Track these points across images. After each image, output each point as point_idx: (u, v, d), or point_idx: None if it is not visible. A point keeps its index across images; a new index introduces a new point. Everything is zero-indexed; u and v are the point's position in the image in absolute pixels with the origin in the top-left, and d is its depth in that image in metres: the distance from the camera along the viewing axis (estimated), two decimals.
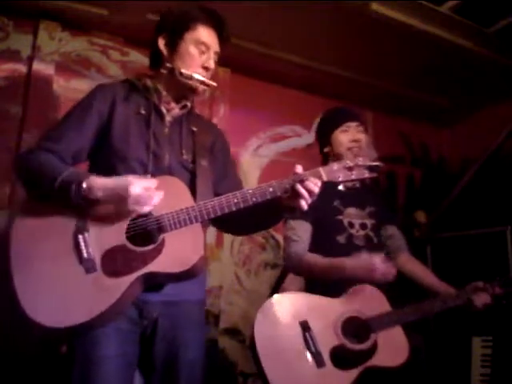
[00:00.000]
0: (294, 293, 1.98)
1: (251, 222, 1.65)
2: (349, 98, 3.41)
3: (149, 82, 1.63)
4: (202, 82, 1.60)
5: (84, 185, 1.35)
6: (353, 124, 2.15)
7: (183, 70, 1.57)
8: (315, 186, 1.45)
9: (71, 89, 2.77)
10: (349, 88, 3.42)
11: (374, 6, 2.64)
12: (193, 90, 1.62)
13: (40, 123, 2.61)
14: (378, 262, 1.87)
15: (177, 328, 1.49)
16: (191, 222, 1.42)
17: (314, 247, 2.05)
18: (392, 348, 1.84)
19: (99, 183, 1.37)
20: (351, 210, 2.10)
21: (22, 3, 2.60)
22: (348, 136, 2.11)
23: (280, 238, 3.13)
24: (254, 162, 3.26)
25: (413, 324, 1.97)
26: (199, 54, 1.60)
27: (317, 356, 1.78)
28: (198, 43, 1.60)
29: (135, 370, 1.49)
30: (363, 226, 2.10)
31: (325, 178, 1.48)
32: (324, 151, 2.18)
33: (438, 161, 3.63)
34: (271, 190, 1.46)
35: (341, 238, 2.05)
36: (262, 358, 1.74)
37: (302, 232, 2.05)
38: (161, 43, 1.62)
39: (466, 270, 2.64)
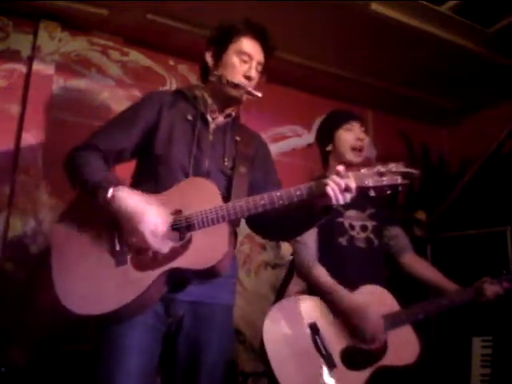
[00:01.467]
0: (301, 295, 1.97)
1: (286, 226, 1.65)
2: (349, 98, 3.41)
3: (197, 92, 1.71)
4: (247, 92, 1.67)
5: (109, 194, 1.40)
6: (357, 124, 2.15)
7: (229, 78, 1.64)
8: (341, 180, 1.42)
9: (71, 89, 2.77)
10: (349, 88, 3.42)
11: (374, 6, 2.64)
12: (237, 99, 1.69)
13: (40, 123, 2.61)
14: (372, 320, 1.84)
15: (201, 329, 1.52)
16: (218, 222, 1.46)
17: (317, 249, 2.04)
18: (402, 347, 1.84)
19: (123, 197, 1.41)
20: (351, 213, 2.10)
21: (21, 3, 2.60)
22: (352, 135, 2.11)
23: None
24: None
25: (413, 324, 1.98)
26: (241, 63, 1.67)
27: (327, 358, 1.78)
28: (240, 53, 1.68)
29: (156, 367, 1.51)
30: (364, 228, 2.10)
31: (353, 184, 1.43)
32: (325, 150, 2.18)
33: (438, 161, 3.63)
34: (298, 193, 1.47)
35: (342, 240, 2.05)
36: (273, 362, 1.74)
37: (309, 236, 2.03)
38: (207, 55, 1.71)
39: (466, 270, 2.64)
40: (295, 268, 2.13)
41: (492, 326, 2.48)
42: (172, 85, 3.03)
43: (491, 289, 2.02)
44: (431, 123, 3.98)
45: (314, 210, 1.52)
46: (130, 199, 1.41)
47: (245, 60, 1.68)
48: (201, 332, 1.52)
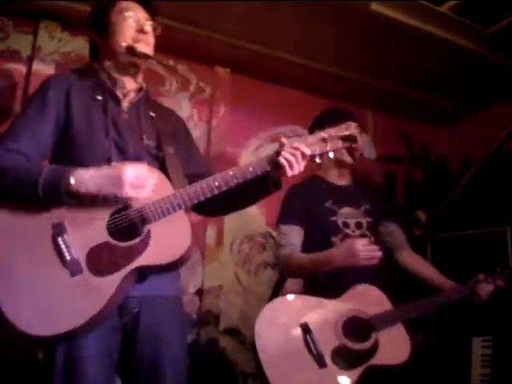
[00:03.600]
0: (293, 295, 1.97)
1: (235, 202, 1.64)
2: (349, 98, 3.41)
3: (97, 66, 1.59)
4: (144, 55, 1.55)
5: (72, 180, 1.29)
6: (353, 124, 2.14)
7: (123, 44, 1.53)
8: (295, 151, 1.45)
9: None
10: (349, 88, 3.42)
11: (374, 6, 2.64)
12: (135, 64, 1.57)
13: None
14: (360, 246, 1.86)
15: (158, 324, 1.45)
16: (174, 210, 1.38)
17: (310, 250, 2.04)
18: (394, 346, 1.84)
19: (88, 176, 1.31)
20: (345, 210, 2.09)
21: (21, 3, 2.59)
22: None
23: None
24: None
25: (413, 324, 1.97)
26: (127, 26, 1.55)
27: (318, 357, 1.78)
28: (124, 13, 1.56)
29: (115, 368, 1.44)
30: (359, 225, 2.09)
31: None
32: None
33: (438, 161, 3.63)
34: (251, 169, 1.45)
35: (336, 239, 2.04)
36: (264, 361, 1.74)
37: (291, 236, 2.05)
38: (93, 35, 1.61)
39: (465, 270, 2.63)
40: (279, 266, 2.14)
41: (492, 326, 2.48)
42: (172, 85, 3.04)
43: (483, 290, 2.02)
44: (431, 123, 3.97)
45: (264, 185, 1.52)
46: (94, 172, 1.32)
47: (130, 16, 1.55)
48: (159, 327, 1.44)
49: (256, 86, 3.30)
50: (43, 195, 1.30)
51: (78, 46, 2.83)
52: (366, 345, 1.81)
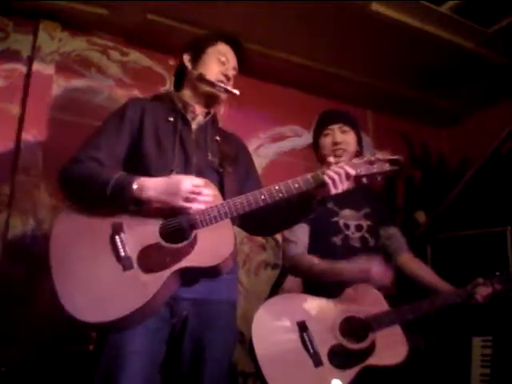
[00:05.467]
0: (291, 294, 1.98)
1: (279, 219, 1.71)
2: (349, 98, 3.42)
3: (174, 95, 1.77)
4: (225, 89, 1.73)
5: (135, 186, 1.43)
6: (335, 126, 2.16)
7: (207, 77, 1.70)
8: (340, 169, 1.52)
9: (71, 89, 2.77)
10: (349, 88, 3.42)
11: (374, 6, 2.64)
12: (216, 97, 1.74)
13: (40, 123, 2.61)
14: (374, 265, 1.88)
15: (205, 328, 1.53)
16: (221, 219, 1.48)
17: (311, 249, 2.05)
18: (390, 347, 1.84)
19: (150, 182, 1.45)
20: (346, 212, 2.11)
21: (21, 3, 2.60)
22: (329, 139, 2.14)
23: (279, 238, 3.13)
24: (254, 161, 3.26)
25: (413, 324, 1.97)
26: (219, 63, 1.75)
27: (315, 356, 1.78)
28: (219, 55, 1.76)
29: (159, 368, 1.52)
30: (359, 228, 2.10)
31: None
32: (318, 156, 2.23)
33: (438, 161, 3.63)
34: (296, 185, 1.52)
35: (337, 240, 2.05)
36: (260, 359, 1.74)
37: (300, 234, 2.05)
38: (186, 59, 1.79)
39: (465, 270, 2.63)
40: (284, 263, 2.15)
41: (492, 326, 2.48)
42: (172, 85, 3.03)
43: (482, 292, 2.02)
44: (431, 123, 3.98)
45: (308, 202, 1.58)
46: (157, 180, 1.46)
47: (222, 61, 1.76)
48: (205, 331, 1.53)
49: (256, 86, 3.30)
50: (110, 196, 1.44)
51: (78, 46, 2.84)
52: (363, 345, 1.82)
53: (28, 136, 2.57)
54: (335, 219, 2.08)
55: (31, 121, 2.60)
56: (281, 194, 1.51)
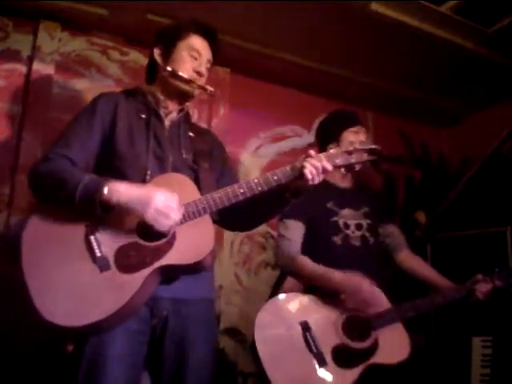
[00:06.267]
0: (293, 294, 1.98)
1: (257, 213, 1.69)
2: (349, 98, 3.41)
3: (145, 89, 1.71)
4: (199, 86, 1.67)
5: (105, 189, 1.37)
6: (362, 129, 2.18)
7: (180, 73, 1.63)
8: (318, 163, 1.50)
9: (71, 89, 2.76)
10: (349, 88, 3.42)
11: (374, 6, 2.64)
12: (189, 94, 1.68)
13: (40, 123, 2.61)
14: (365, 287, 1.86)
15: (186, 327, 1.50)
16: (200, 215, 1.45)
17: (311, 248, 2.05)
18: (393, 345, 1.85)
19: (121, 189, 1.39)
20: (346, 211, 2.12)
21: (22, 3, 2.60)
22: (358, 138, 2.13)
23: None
24: (253, 161, 3.26)
25: (413, 323, 1.98)
26: (191, 59, 1.67)
27: (318, 356, 1.78)
28: (191, 49, 1.68)
29: (142, 370, 1.49)
30: (359, 227, 2.11)
31: None
32: (327, 147, 2.18)
33: (438, 161, 3.63)
34: (275, 177, 1.50)
35: (337, 239, 2.06)
36: (264, 360, 1.74)
37: (295, 232, 2.06)
38: (156, 53, 1.70)
39: (465, 270, 2.63)
40: (276, 260, 2.15)
41: (492, 326, 2.48)
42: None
43: (482, 289, 2.03)
44: (431, 123, 3.97)
45: (283, 195, 1.57)
46: (131, 188, 1.40)
47: (195, 56, 1.69)
48: (186, 330, 1.50)
49: (256, 86, 3.30)
50: (80, 199, 1.38)
51: (78, 46, 2.83)
52: (366, 343, 1.82)
53: (28, 136, 2.57)
54: (335, 219, 2.09)
55: (31, 121, 2.60)
56: (260, 188, 1.49)
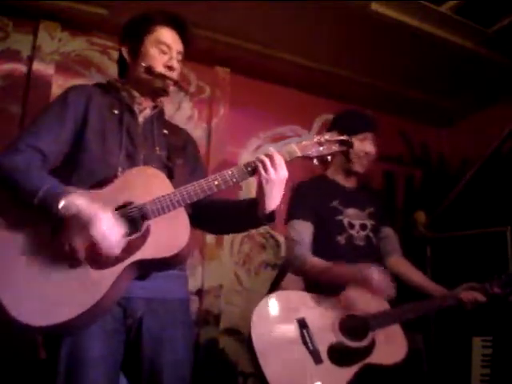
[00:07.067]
0: (290, 291, 1.98)
1: (228, 224, 1.67)
2: (349, 98, 3.41)
3: (120, 85, 1.65)
4: (173, 81, 1.61)
5: (61, 203, 1.31)
6: (369, 134, 2.15)
7: (152, 69, 1.58)
8: (267, 155, 1.46)
9: None
10: (349, 88, 3.42)
11: (374, 6, 2.64)
12: (163, 90, 1.62)
13: None
14: (376, 276, 1.85)
15: (162, 327, 1.46)
16: (174, 207, 1.40)
17: (314, 247, 2.05)
18: (390, 346, 1.84)
19: (77, 203, 1.32)
20: (351, 211, 2.11)
21: (22, 3, 2.60)
22: (363, 146, 2.11)
23: (279, 238, 3.13)
24: None
25: (413, 323, 1.98)
26: (160, 53, 1.61)
27: (314, 353, 1.78)
28: (158, 43, 1.61)
29: (119, 371, 1.45)
30: (363, 227, 2.10)
31: (299, 153, 1.50)
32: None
33: (438, 161, 3.63)
34: (249, 169, 1.46)
35: (341, 239, 2.05)
36: (260, 356, 1.74)
37: (304, 233, 2.04)
38: (124, 51, 1.65)
39: (465, 270, 2.64)
40: (289, 263, 2.14)
41: (492, 326, 2.48)
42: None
43: (467, 298, 2.02)
44: (431, 123, 3.98)
45: (257, 215, 1.50)
46: (79, 205, 1.31)
47: (164, 50, 1.61)
48: (162, 330, 1.46)
49: (256, 86, 3.30)
50: (38, 208, 1.33)
51: (78, 46, 2.84)
52: (363, 343, 1.82)
53: None
54: (339, 218, 2.08)
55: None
56: (234, 180, 1.44)
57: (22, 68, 2.66)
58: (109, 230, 1.31)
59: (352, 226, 2.08)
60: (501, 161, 2.85)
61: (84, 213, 1.31)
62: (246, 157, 3.22)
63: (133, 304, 1.44)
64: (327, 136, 1.53)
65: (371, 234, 2.11)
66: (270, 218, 1.50)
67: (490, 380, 2.39)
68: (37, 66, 2.67)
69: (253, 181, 2.85)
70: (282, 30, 2.84)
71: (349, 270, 1.92)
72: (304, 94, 3.46)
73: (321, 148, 1.52)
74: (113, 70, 2.88)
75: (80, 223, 1.30)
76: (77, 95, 1.56)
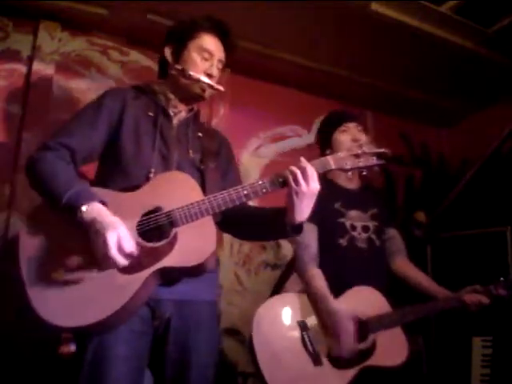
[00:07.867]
0: (292, 293, 1.98)
1: (255, 231, 1.67)
2: (349, 98, 3.41)
3: (157, 87, 1.69)
4: (209, 85, 1.64)
5: (84, 208, 1.34)
6: (351, 124, 2.15)
7: (191, 72, 1.61)
8: (298, 168, 1.44)
9: (71, 89, 2.76)
10: (349, 88, 3.42)
11: (374, 6, 2.64)
12: (199, 95, 1.66)
13: (40, 123, 2.61)
14: (344, 329, 1.82)
15: (189, 330, 1.48)
16: (202, 216, 1.41)
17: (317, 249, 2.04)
18: (391, 348, 1.85)
19: (96, 213, 1.34)
20: (353, 213, 2.10)
21: (22, 3, 2.59)
22: (348, 136, 2.12)
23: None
24: (253, 161, 3.26)
25: (413, 324, 1.98)
26: (202, 60, 1.64)
27: (314, 355, 1.79)
28: (201, 50, 1.65)
29: (144, 372, 1.48)
30: (365, 229, 2.10)
31: (333, 166, 1.48)
32: (325, 154, 2.19)
33: (438, 161, 3.63)
34: (280, 180, 1.45)
35: (343, 241, 2.05)
36: (260, 357, 1.75)
37: (309, 235, 2.03)
38: (167, 52, 1.69)
39: (466, 270, 2.64)
40: (296, 267, 2.13)
41: (492, 326, 2.48)
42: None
43: (471, 301, 2.02)
44: (431, 123, 3.98)
45: (284, 225, 1.50)
46: (101, 214, 1.34)
47: (206, 57, 1.65)
48: (189, 333, 1.48)
49: (256, 86, 3.30)
50: (63, 209, 1.36)
51: (78, 46, 2.83)
52: (363, 345, 1.82)
53: (28, 136, 2.57)
54: (341, 220, 2.08)
55: (31, 121, 2.59)
56: (264, 190, 1.44)
57: (21, 68, 2.66)
58: (114, 244, 1.31)
59: (354, 228, 2.08)
60: (501, 161, 2.85)
61: (97, 224, 1.33)
62: (246, 157, 3.22)
63: (162, 306, 1.46)
64: (365, 148, 1.53)
65: (373, 236, 2.10)
66: (298, 229, 1.49)
67: (490, 380, 2.39)
68: (37, 65, 2.66)
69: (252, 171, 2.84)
70: (281, 30, 2.84)
71: (330, 308, 1.87)
72: (304, 93, 3.45)
73: (357, 160, 1.50)
74: (113, 70, 2.91)
75: (92, 232, 1.33)
76: (112, 99, 1.59)
